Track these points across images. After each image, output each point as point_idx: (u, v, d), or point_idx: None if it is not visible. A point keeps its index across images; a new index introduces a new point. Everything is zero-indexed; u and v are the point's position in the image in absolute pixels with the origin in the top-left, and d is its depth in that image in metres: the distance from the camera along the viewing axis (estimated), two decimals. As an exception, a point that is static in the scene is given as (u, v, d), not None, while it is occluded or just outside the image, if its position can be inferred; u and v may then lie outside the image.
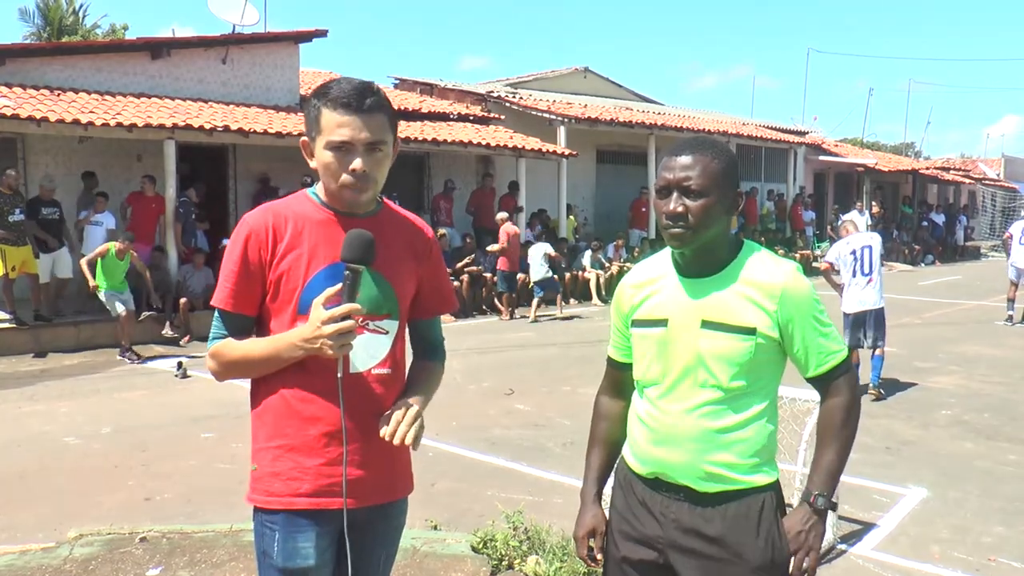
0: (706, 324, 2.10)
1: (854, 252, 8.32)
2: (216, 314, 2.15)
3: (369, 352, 2.15)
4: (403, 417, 2.06)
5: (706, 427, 2.11)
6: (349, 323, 1.95)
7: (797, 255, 21.80)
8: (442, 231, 15.26)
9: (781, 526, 2.13)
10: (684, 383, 2.13)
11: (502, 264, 14.32)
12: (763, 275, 2.12)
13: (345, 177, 2.06)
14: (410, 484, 2.34)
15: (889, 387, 8.83)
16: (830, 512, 4.83)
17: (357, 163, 2.05)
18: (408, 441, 2.04)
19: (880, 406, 8.12)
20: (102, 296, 10.85)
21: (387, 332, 2.19)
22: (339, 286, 1.98)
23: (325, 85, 2.09)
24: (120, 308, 10.69)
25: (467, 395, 8.62)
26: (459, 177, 17.40)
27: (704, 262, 2.14)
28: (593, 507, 2.32)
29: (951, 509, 5.56)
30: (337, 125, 2.04)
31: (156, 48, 14.23)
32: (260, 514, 2.15)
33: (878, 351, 8.43)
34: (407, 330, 2.33)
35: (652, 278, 2.24)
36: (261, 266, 2.08)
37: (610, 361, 2.40)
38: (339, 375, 2.03)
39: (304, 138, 2.15)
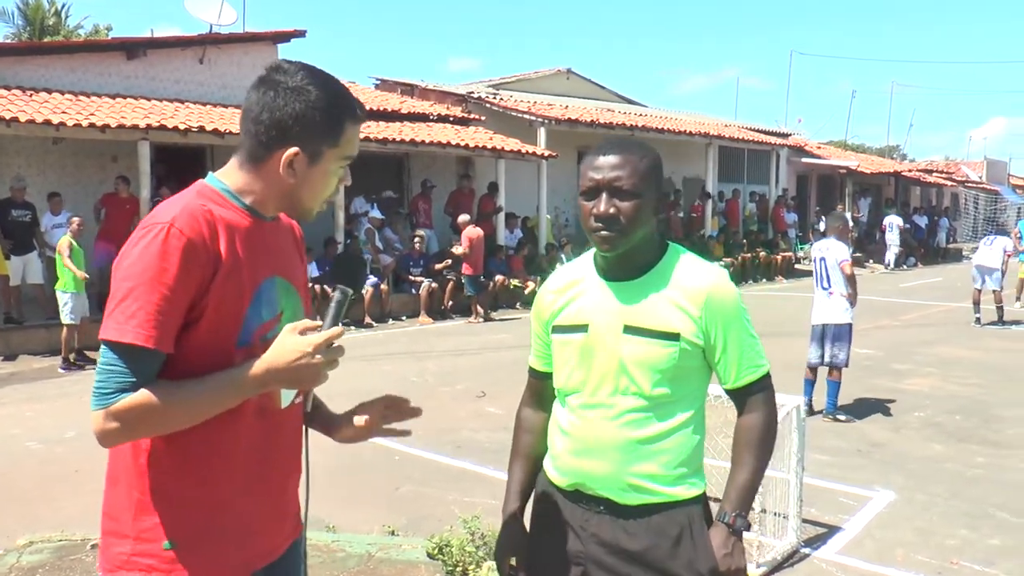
0: (628, 329, 2.03)
1: (814, 259, 7.93)
2: (114, 357, 1.60)
3: None
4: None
5: (628, 436, 2.03)
6: (341, 350, 1.69)
7: (779, 257, 21.84)
8: (420, 232, 15.17)
9: (709, 543, 2.05)
10: (605, 390, 2.05)
11: (465, 269, 14.18)
12: (688, 279, 2.05)
13: (327, 197, 1.85)
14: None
15: (864, 390, 8.77)
16: (792, 516, 4.89)
17: (348, 178, 1.87)
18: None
19: (854, 409, 8.04)
20: (68, 298, 10.28)
21: None
22: (331, 311, 1.73)
23: (345, 94, 1.79)
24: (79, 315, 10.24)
25: (438, 397, 8.55)
26: (439, 178, 17.32)
27: (629, 265, 2.07)
28: (514, 524, 2.24)
29: (917, 512, 5.55)
30: (353, 140, 1.81)
31: (132, 48, 14.13)
32: None
33: (833, 374, 7.79)
34: None
35: (573, 281, 2.16)
36: (199, 290, 1.64)
37: (531, 371, 2.32)
38: (307, 408, 1.89)
39: (295, 149, 1.73)
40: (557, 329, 2.15)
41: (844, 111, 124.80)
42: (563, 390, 2.16)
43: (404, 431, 1.98)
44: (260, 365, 1.65)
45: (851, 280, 7.70)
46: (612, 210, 1.98)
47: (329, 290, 1.73)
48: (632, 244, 2.03)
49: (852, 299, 7.75)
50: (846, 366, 7.82)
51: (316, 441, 1.92)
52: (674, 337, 2.01)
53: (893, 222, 24.56)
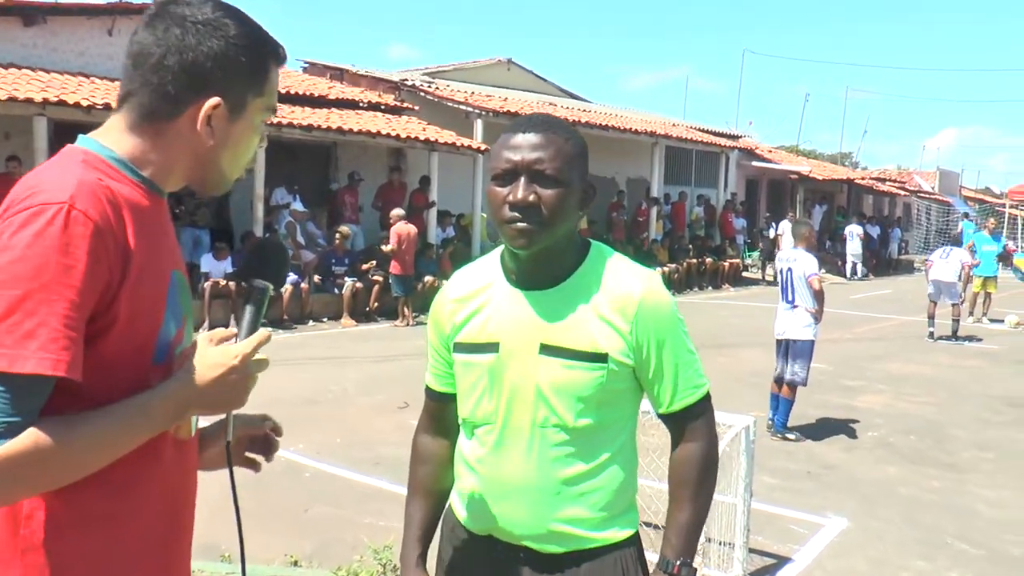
0: (546, 349, 1.75)
1: (780, 270, 7.50)
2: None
3: None
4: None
5: (549, 477, 1.77)
6: (266, 361, 1.41)
7: (726, 263, 21.33)
8: (344, 229, 14.22)
9: None
10: (521, 422, 1.78)
11: (394, 268, 13.30)
12: (616, 286, 1.77)
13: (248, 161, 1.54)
14: None
15: (815, 406, 8.26)
16: (739, 546, 4.36)
17: (264, 139, 1.27)
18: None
19: (805, 428, 7.52)
20: None
21: None
22: (248, 314, 1.46)
23: (263, 30, 1.44)
24: None
25: (356, 408, 7.91)
26: (368, 170, 16.40)
27: (545, 269, 1.78)
28: (415, 572, 1.93)
29: (871, 540, 5.21)
30: (275, 87, 1.49)
31: (30, 13, 12.94)
32: None
33: (787, 391, 7.32)
34: None
35: (478, 289, 1.85)
36: (104, 295, 1.24)
37: (429, 391, 2.00)
38: (229, 438, 1.52)
39: (216, 100, 1.36)
40: (460, 347, 1.85)
41: (797, 115, 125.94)
42: (470, 421, 1.87)
43: (258, 464, 1.66)
44: (178, 386, 1.33)
45: (819, 296, 7.19)
46: (532, 197, 1.70)
47: (244, 287, 1.22)
48: (552, 242, 1.74)
49: (818, 315, 7.25)
50: (804, 384, 7.32)
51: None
52: (600, 358, 1.74)
53: (853, 231, 24.15)
